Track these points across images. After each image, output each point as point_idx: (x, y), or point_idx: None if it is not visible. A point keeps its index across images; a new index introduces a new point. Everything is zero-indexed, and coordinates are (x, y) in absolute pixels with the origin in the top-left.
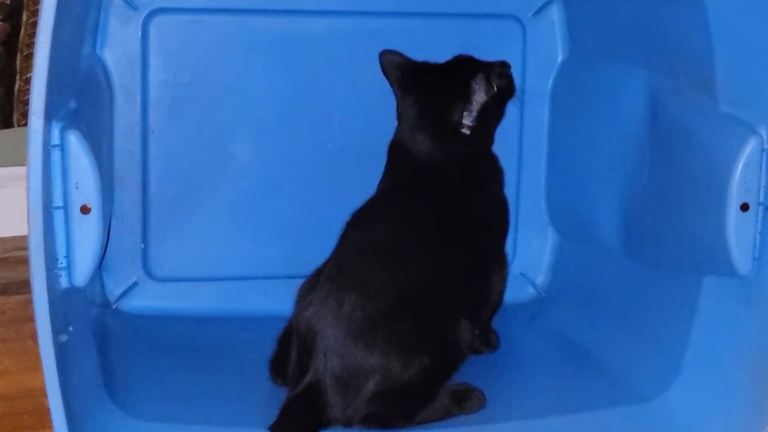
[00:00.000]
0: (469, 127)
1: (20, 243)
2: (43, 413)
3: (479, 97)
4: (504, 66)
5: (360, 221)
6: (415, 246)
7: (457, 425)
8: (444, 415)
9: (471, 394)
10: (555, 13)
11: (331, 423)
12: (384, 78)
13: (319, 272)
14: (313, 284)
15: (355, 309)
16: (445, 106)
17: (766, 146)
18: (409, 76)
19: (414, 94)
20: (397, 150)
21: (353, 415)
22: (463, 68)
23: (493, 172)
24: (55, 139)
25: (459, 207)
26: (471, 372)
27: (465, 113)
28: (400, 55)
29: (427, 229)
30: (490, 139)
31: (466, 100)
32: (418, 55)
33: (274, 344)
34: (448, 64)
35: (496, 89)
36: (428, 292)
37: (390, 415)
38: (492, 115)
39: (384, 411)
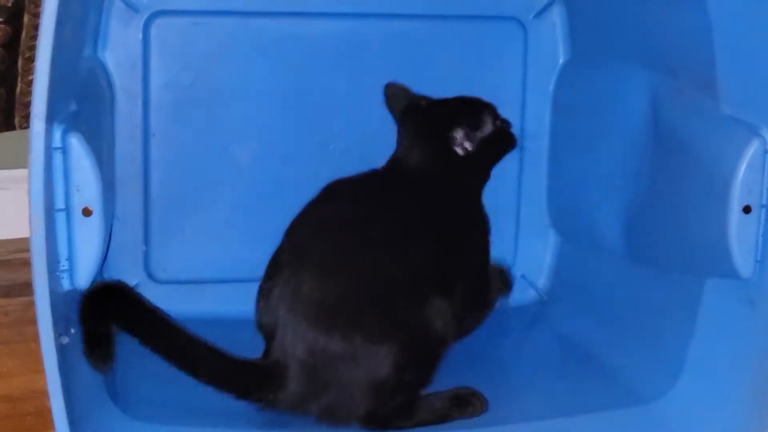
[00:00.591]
0: (464, 150)
1: (22, 245)
2: (46, 415)
3: (486, 127)
4: (506, 122)
5: (320, 199)
6: (375, 226)
7: (457, 428)
8: (443, 418)
9: (472, 398)
10: (556, 15)
11: (273, 404)
12: None
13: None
14: (272, 273)
15: (313, 289)
16: (448, 124)
17: None
18: (413, 108)
19: (417, 120)
20: (388, 164)
21: (323, 406)
22: (472, 101)
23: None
24: (57, 141)
25: (432, 207)
26: (471, 373)
27: (467, 134)
28: (405, 88)
29: (391, 212)
30: (482, 179)
31: (472, 123)
32: (419, 57)
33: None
34: (454, 98)
35: (500, 125)
36: (389, 272)
37: (386, 413)
38: (491, 151)
39: (378, 408)
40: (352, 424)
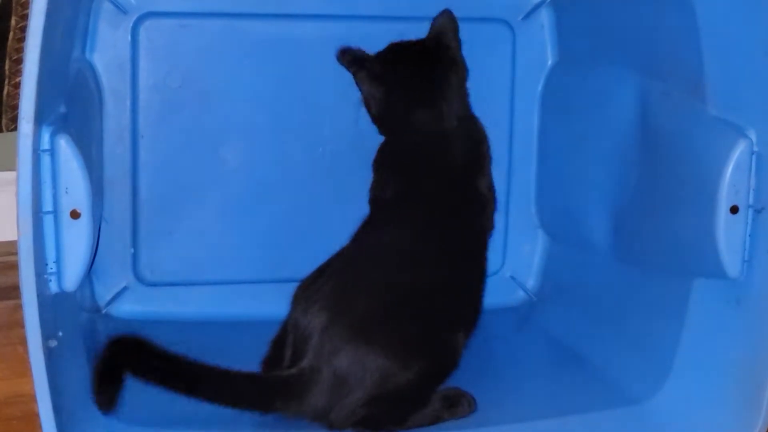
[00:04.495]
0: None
1: (8, 248)
2: (32, 419)
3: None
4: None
5: (372, 223)
6: (425, 250)
7: (447, 429)
8: (434, 420)
9: (461, 399)
10: (544, 17)
11: (299, 413)
12: None
13: (319, 271)
14: (311, 283)
15: (359, 305)
16: (443, 74)
17: (755, 149)
18: (382, 66)
19: (398, 79)
20: (391, 154)
21: (338, 415)
22: (428, 44)
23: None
24: (45, 143)
25: (462, 197)
26: (461, 376)
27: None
28: (360, 50)
29: (438, 233)
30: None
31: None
32: None
33: (268, 346)
34: (407, 47)
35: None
36: (434, 297)
37: (384, 418)
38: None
39: (378, 414)
40: (335, 425)
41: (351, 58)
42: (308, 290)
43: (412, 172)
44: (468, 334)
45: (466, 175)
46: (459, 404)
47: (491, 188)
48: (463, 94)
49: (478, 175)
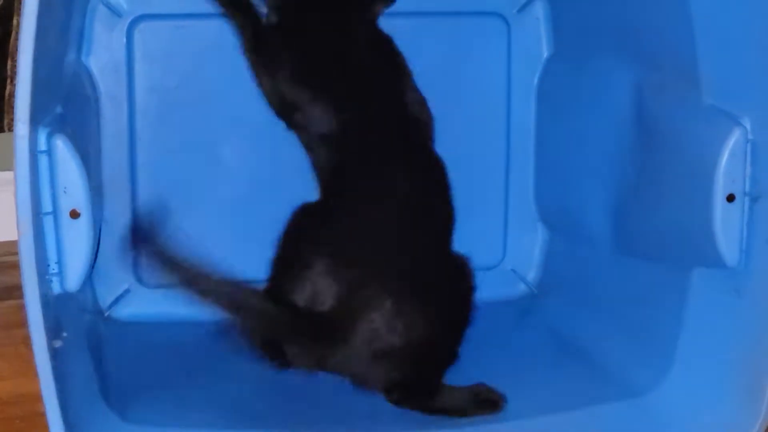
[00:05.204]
0: None
1: (9, 248)
2: (35, 419)
3: None
4: None
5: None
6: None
7: (448, 427)
8: (461, 413)
9: (493, 396)
10: (539, 10)
11: (321, 361)
12: None
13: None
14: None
15: (378, 260)
16: None
17: (750, 137)
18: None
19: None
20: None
21: (372, 372)
22: None
23: None
24: (42, 144)
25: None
26: (461, 367)
27: None
28: None
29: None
30: None
31: None
32: (403, 53)
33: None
34: None
35: None
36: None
37: (412, 386)
38: None
39: (412, 374)
40: (377, 389)
41: None
42: (319, 235)
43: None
44: (471, 283)
45: (390, 91)
46: (487, 401)
47: (421, 97)
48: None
49: (407, 89)
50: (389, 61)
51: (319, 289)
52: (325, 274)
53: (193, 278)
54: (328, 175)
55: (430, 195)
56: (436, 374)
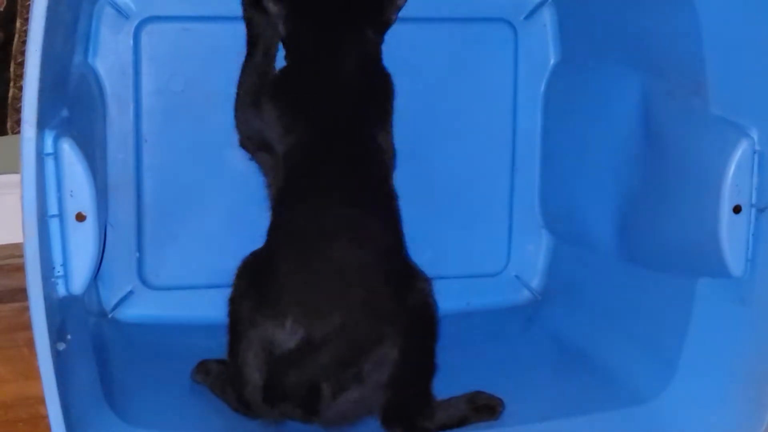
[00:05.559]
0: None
1: (13, 251)
2: (38, 421)
3: None
4: None
5: (303, 200)
6: (348, 215)
7: None
8: (462, 422)
9: (488, 401)
10: (546, 16)
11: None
12: None
13: (259, 258)
14: (258, 282)
15: (325, 302)
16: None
17: (757, 148)
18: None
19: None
20: (298, 98)
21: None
22: None
23: None
24: (49, 147)
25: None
26: (465, 374)
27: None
28: None
29: (354, 191)
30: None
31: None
32: (410, 59)
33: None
34: None
35: None
36: (377, 261)
37: (406, 410)
38: None
39: (399, 403)
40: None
41: None
42: (261, 295)
43: (312, 117)
44: (426, 288)
45: (364, 126)
46: (486, 406)
47: (389, 142)
48: (375, 48)
49: (379, 130)
50: (373, 99)
51: (276, 345)
52: (277, 331)
53: None
54: (275, 201)
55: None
56: (424, 395)
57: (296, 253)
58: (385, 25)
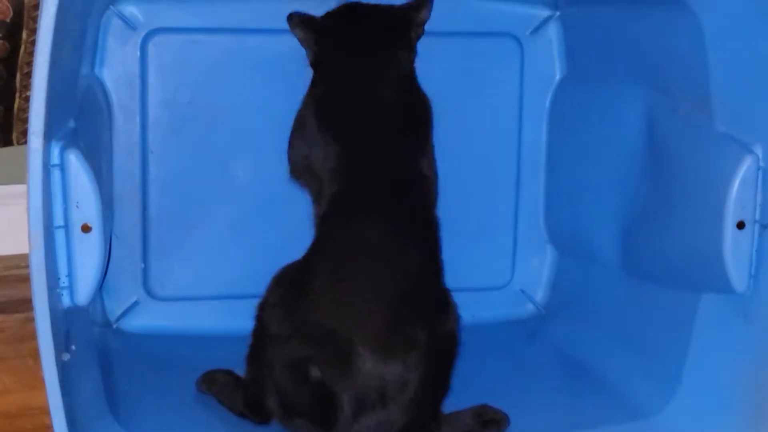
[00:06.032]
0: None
1: (19, 261)
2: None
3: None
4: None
5: (346, 221)
6: (388, 242)
7: None
8: None
9: (494, 415)
10: (552, 32)
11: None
12: None
13: (296, 270)
14: (296, 288)
15: (371, 318)
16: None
17: (761, 164)
18: (333, 29)
19: (357, 43)
20: (341, 120)
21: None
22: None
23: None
24: (55, 158)
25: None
26: (470, 389)
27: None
28: (311, 16)
29: (396, 220)
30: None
31: (416, 21)
32: (417, 73)
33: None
34: (364, 11)
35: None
36: (411, 288)
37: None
38: None
39: (411, 423)
40: None
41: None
42: (292, 308)
43: (355, 143)
44: (454, 317)
45: (406, 153)
46: (491, 420)
47: (432, 168)
48: (411, 70)
49: (421, 156)
50: (412, 123)
51: (301, 360)
52: (304, 345)
53: None
54: (318, 225)
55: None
56: (434, 412)
57: (332, 272)
58: (414, 42)
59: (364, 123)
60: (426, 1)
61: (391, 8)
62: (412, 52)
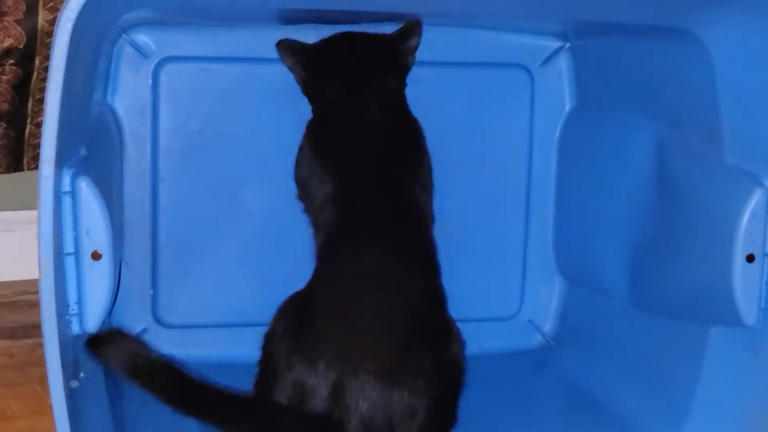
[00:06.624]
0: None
1: (28, 287)
2: None
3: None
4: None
5: (346, 249)
6: (385, 267)
7: None
8: None
9: None
10: (563, 63)
11: None
12: None
13: (301, 300)
14: (295, 327)
15: (365, 348)
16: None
17: None
18: (320, 55)
19: (345, 68)
20: (333, 148)
21: None
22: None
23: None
24: (66, 185)
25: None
26: (477, 419)
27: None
28: (300, 43)
29: (393, 246)
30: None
31: (404, 49)
32: (427, 103)
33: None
34: (352, 38)
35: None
36: (416, 314)
37: None
38: None
39: None
40: None
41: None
42: (298, 338)
43: (348, 170)
44: (457, 340)
45: (399, 178)
46: None
47: (427, 191)
48: (399, 95)
49: (415, 181)
50: (402, 150)
51: (308, 389)
52: (311, 375)
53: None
54: (319, 255)
55: (405, 274)
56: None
57: (336, 301)
58: (404, 70)
59: (355, 151)
60: (414, 28)
61: (379, 36)
62: (402, 78)
